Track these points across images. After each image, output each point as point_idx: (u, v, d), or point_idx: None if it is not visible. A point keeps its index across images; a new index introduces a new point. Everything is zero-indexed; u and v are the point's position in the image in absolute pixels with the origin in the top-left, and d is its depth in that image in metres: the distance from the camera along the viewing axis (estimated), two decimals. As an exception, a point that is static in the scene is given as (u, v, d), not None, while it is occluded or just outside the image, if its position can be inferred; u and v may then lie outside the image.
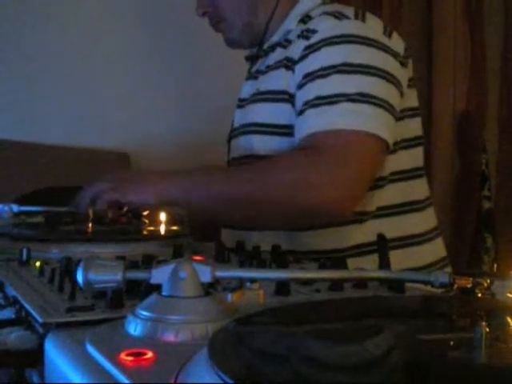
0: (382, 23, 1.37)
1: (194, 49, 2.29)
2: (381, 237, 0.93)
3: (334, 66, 1.27)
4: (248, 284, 0.73)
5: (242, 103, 1.51)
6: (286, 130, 1.34)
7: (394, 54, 1.34)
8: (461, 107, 2.58)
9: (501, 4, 2.61)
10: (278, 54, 1.42)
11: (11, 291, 0.81)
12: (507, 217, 2.58)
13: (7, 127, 2.10)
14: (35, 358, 0.66)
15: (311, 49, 1.32)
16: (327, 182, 1.22)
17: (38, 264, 0.93)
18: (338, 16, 1.33)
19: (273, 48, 1.46)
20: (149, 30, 2.28)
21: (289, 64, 1.36)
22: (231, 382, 0.43)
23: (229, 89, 2.16)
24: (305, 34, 1.35)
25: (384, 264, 0.88)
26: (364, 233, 1.33)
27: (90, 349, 0.57)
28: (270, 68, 1.43)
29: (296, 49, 1.35)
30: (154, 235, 1.24)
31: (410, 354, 0.51)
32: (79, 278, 0.66)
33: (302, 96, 1.30)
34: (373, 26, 1.35)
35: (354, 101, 1.24)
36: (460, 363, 0.49)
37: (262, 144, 1.38)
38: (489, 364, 0.49)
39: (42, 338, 0.66)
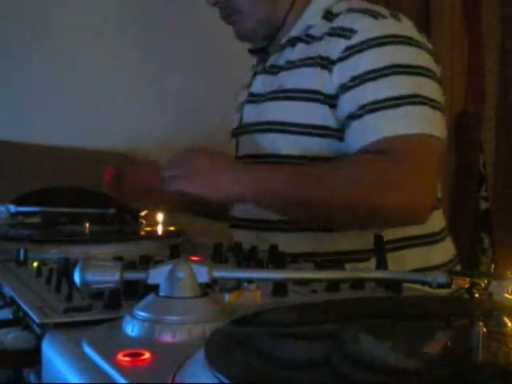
0: (413, 23, 1.36)
1: (195, 49, 2.29)
2: (378, 237, 0.93)
3: (384, 68, 1.25)
4: (245, 284, 0.73)
5: (256, 98, 1.45)
6: (318, 131, 1.31)
7: (431, 53, 1.34)
8: (458, 108, 2.59)
9: (497, 5, 2.61)
10: (301, 50, 1.37)
11: (8, 292, 0.81)
12: (504, 217, 2.58)
13: (7, 127, 2.10)
14: (33, 358, 0.66)
15: (354, 49, 1.28)
16: (411, 188, 1.20)
17: (35, 264, 0.93)
18: (375, 15, 1.30)
19: (291, 43, 1.40)
20: (149, 31, 2.28)
21: (324, 63, 1.31)
22: (228, 382, 0.43)
23: (229, 89, 2.16)
24: (341, 33, 1.30)
25: (381, 264, 0.88)
26: (389, 231, 1.30)
27: (88, 349, 0.57)
28: (294, 64, 1.37)
29: (332, 48, 1.30)
30: (152, 235, 1.24)
31: (408, 355, 0.51)
32: (76, 278, 0.66)
33: (354, 99, 1.26)
34: (409, 25, 1.34)
35: (413, 103, 1.23)
36: (458, 363, 0.49)
37: (286, 143, 1.33)
38: (486, 364, 0.49)
39: (39, 338, 0.66)
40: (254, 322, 0.61)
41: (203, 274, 0.65)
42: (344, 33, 1.30)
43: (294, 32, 1.40)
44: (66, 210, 1.42)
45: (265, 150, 1.36)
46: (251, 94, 1.47)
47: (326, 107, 1.30)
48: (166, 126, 2.29)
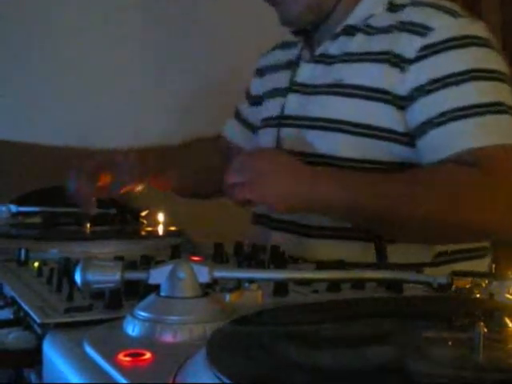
0: None
1: (196, 49, 2.29)
2: (378, 238, 0.93)
3: (466, 72, 1.15)
4: (246, 284, 0.73)
5: (303, 89, 1.31)
6: (383, 134, 1.19)
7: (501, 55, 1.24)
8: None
9: (497, 3, 2.61)
10: (361, 42, 1.25)
11: (9, 292, 0.81)
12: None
13: (7, 127, 2.10)
14: (33, 358, 0.66)
15: (432, 49, 1.17)
16: (506, 203, 1.10)
17: (36, 264, 0.93)
18: (451, 12, 1.21)
19: (348, 32, 1.28)
20: (149, 30, 2.28)
21: (395, 61, 1.18)
22: (229, 382, 0.43)
23: (230, 89, 2.16)
24: (413, 29, 1.19)
25: (382, 265, 0.88)
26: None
27: (88, 349, 0.57)
28: (354, 57, 1.25)
29: (405, 45, 1.18)
30: (153, 235, 1.24)
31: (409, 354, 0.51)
32: (77, 278, 0.66)
33: (434, 105, 1.15)
34: (483, 26, 1.24)
35: (498, 112, 1.14)
36: (458, 364, 0.49)
37: (346, 145, 1.21)
38: (487, 365, 0.49)
39: (40, 338, 0.66)
40: (255, 321, 0.61)
41: (204, 274, 0.65)
42: (417, 29, 1.19)
43: (352, 20, 1.28)
44: (66, 209, 1.42)
45: (320, 149, 1.23)
46: (296, 83, 1.33)
47: (394, 109, 1.19)
48: (167, 125, 2.29)
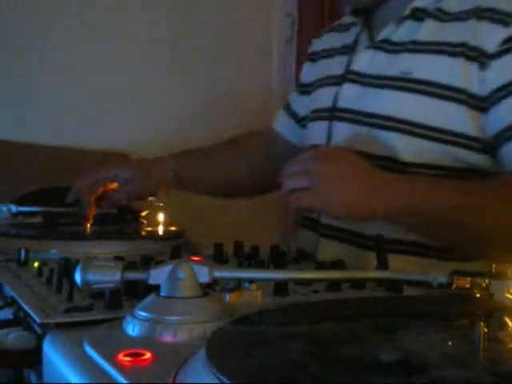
0: None
1: (197, 49, 2.29)
2: (378, 237, 0.93)
3: None
4: (246, 284, 0.73)
5: (361, 79, 1.16)
6: (446, 137, 1.05)
7: None
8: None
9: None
10: (432, 29, 1.09)
11: (9, 292, 0.81)
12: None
13: (7, 127, 2.10)
14: (33, 358, 0.66)
15: None
16: None
17: (36, 264, 0.93)
18: None
19: (416, 16, 1.11)
20: (150, 30, 2.28)
21: (473, 54, 1.03)
22: (229, 381, 0.43)
23: (231, 89, 2.16)
24: (495, 17, 1.03)
25: (382, 264, 0.88)
26: None
27: (88, 349, 0.57)
28: (423, 47, 1.09)
29: (485, 36, 1.03)
30: (153, 236, 1.24)
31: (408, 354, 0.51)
32: (77, 278, 0.67)
33: None
34: None
35: None
36: (457, 363, 0.49)
37: (409, 148, 1.07)
38: (487, 364, 0.49)
39: (40, 338, 0.66)
40: (255, 321, 0.61)
41: (204, 274, 0.65)
42: (499, 17, 1.03)
43: (420, 2, 1.11)
44: (66, 209, 1.42)
45: (376, 150, 1.10)
46: (353, 72, 1.18)
47: (468, 110, 1.04)
48: (167, 125, 2.29)
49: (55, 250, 1.04)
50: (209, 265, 0.67)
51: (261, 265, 0.94)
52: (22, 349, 0.67)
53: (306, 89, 1.37)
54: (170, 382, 0.48)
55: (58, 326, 0.65)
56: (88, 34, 2.20)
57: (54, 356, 0.61)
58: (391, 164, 1.07)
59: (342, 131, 1.16)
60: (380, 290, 0.83)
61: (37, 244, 1.08)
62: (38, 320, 0.66)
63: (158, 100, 2.29)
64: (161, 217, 1.30)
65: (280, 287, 0.78)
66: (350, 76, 1.18)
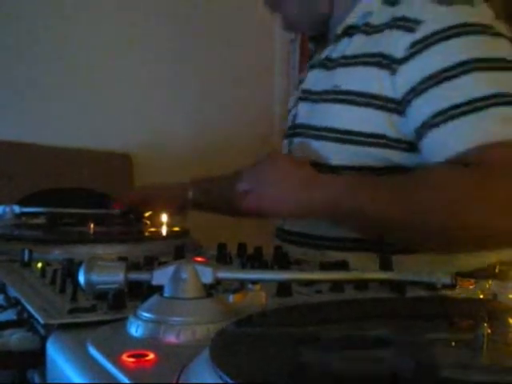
0: (490, 7, 1.16)
1: (200, 49, 2.29)
2: (380, 238, 0.93)
3: (460, 65, 1.06)
4: (249, 285, 0.73)
5: (310, 96, 1.28)
6: (367, 139, 1.15)
7: (510, 40, 1.13)
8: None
9: (501, 9, 2.61)
10: (359, 43, 1.19)
11: (13, 292, 0.81)
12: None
13: (9, 128, 2.10)
14: (37, 359, 0.66)
15: (421, 45, 1.09)
16: (499, 202, 1.00)
17: (39, 265, 0.93)
18: (444, 1, 1.11)
19: (347, 33, 1.22)
20: (152, 31, 2.28)
21: (384, 62, 1.12)
22: (232, 382, 0.43)
23: (234, 89, 2.16)
24: (404, 25, 1.11)
25: (385, 265, 0.88)
26: (476, 258, 1.14)
27: (92, 350, 0.57)
28: (350, 61, 1.20)
29: (395, 44, 1.12)
30: (156, 236, 1.24)
31: (413, 355, 0.51)
32: (81, 279, 0.67)
33: (429, 105, 1.07)
34: (484, 11, 1.14)
35: (499, 104, 1.04)
36: (461, 365, 0.49)
37: (336, 153, 1.18)
38: (490, 366, 0.49)
39: (43, 339, 0.66)
40: (259, 322, 0.61)
41: (207, 275, 0.65)
42: (408, 24, 1.11)
43: (350, 20, 1.22)
44: (70, 210, 1.43)
45: (318, 158, 1.20)
46: (304, 91, 1.31)
47: (386, 113, 1.13)
48: (169, 126, 2.30)
49: (59, 251, 1.05)
50: (212, 266, 0.67)
51: (264, 266, 0.95)
52: (26, 350, 0.67)
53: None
54: (174, 382, 0.48)
55: (62, 326, 0.66)
56: (91, 33, 2.20)
57: (58, 357, 0.61)
58: (325, 170, 1.17)
59: (296, 145, 1.29)
60: (384, 291, 0.83)
61: (40, 245, 1.08)
62: (42, 321, 0.66)
63: (159, 100, 2.29)
64: (164, 217, 1.30)
65: (283, 288, 0.78)
66: (302, 95, 1.31)
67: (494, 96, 1.04)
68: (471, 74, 1.06)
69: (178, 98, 2.31)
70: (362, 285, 0.83)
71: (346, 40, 1.23)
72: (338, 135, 1.17)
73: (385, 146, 1.14)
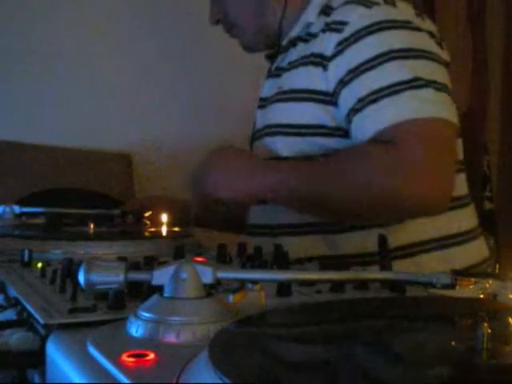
0: (412, 7, 1.30)
1: (199, 49, 2.29)
2: (382, 238, 0.93)
3: (379, 56, 1.19)
4: (249, 285, 0.73)
5: (264, 103, 1.43)
6: (310, 130, 1.28)
7: (430, 34, 1.28)
8: (462, 108, 2.58)
9: (502, 7, 2.61)
10: (300, 50, 1.34)
11: (13, 292, 0.81)
12: (509, 218, 2.57)
13: (9, 128, 2.10)
14: (37, 358, 0.66)
15: (346, 43, 1.23)
16: (425, 176, 1.15)
17: (39, 265, 0.93)
18: (367, 4, 1.25)
19: (293, 43, 1.37)
20: (151, 31, 2.28)
21: (317, 60, 1.27)
22: (232, 382, 0.43)
23: (232, 89, 2.16)
24: (333, 27, 1.26)
25: (385, 265, 0.88)
26: (407, 234, 1.28)
27: (92, 350, 0.57)
28: (292, 65, 1.35)
29: (326, 44, 1.26)
30: (156, 236, 1.24)
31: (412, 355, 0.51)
32: (81, 279, 0.67)
33: (352, 93, 1.21)
34: (406, 10, 1.28)
35: (414, 88, 1.17)
36: (462, 364, 0.49)
37: (285, 146, 1.31)
38: (490, 365, 0.49)
39: (43, 339, 0.66)
40: (259, 322, 0.61)
41: (207, 275, 0.65)
42: (337, 26, 1.25)
43: (294, 32, 1.37)
44: (70, 210, 1.43)
45: (270, 154, 1.33)
46: (261, 99, 1.45)
47: (322, 106, 1.27)
48: (169, 126, 2.29)
49: (59, 251, 1.05)
50: (212, 265, 0.66)
51: (264, 265, 0.94)
52: (26, 349, 0.67)
53: None
54: (174, 382, 0.48)
55: (62, 326, 0.66)
56: (90, 33, 2.20)
57: (58, 357, 0.61)
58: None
59: (257, 148, 1.42)
60: (384, 290, 0.83)
61: (40, 245, 1.08)
62: (42, 321, 0.66)
63: (159, 101, 2.29)
64: (164, 217, 1.30)
65: (283, 288, 0.78)
66: (259, 103, 1.46)
67: (411, 81, 1.17)
68: (390, 62, 1.19)
69: (178, 98, 2.31)
70: (362, 285, 0.83)
71: (291, 50, 1.38)
72: (286, 129, 1.32)
73: (326, 134, 1.28)
